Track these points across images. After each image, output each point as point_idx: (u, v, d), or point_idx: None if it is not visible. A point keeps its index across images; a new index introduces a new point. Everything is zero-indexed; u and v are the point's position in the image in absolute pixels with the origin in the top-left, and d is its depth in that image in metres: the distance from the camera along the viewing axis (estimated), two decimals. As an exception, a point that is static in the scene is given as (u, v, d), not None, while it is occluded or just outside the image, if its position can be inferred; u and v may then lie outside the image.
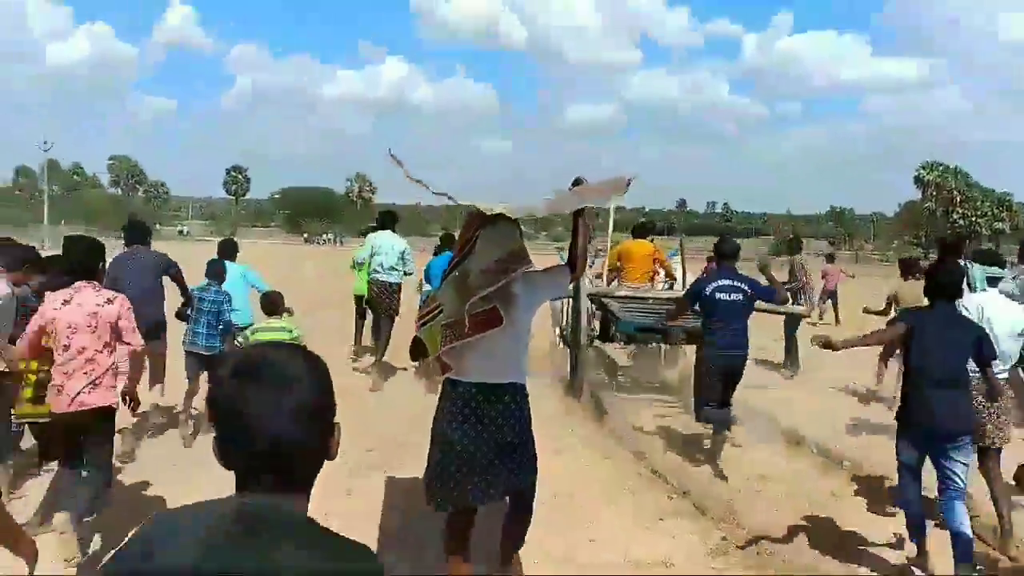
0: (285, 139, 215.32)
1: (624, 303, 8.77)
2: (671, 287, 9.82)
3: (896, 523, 4.99)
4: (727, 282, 6.36)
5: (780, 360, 10.91)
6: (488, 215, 3.43)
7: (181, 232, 78.99)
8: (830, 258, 19.52)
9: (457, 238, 3.92)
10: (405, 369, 9.65)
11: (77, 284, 4.34)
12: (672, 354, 9.74)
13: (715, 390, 6.37)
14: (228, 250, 8.08)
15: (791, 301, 9.97)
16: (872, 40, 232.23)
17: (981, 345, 4.33)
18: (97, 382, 4.26)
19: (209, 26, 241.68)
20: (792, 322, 10.47)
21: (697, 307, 6.60)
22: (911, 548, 4.61)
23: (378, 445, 6.43)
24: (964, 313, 4.67)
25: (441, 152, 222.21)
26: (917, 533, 4.51)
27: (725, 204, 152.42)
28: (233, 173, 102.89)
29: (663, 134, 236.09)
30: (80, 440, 4.35)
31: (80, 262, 4.43)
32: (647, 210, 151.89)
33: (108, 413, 4.39)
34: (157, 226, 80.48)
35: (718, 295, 6.32)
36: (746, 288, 6.39)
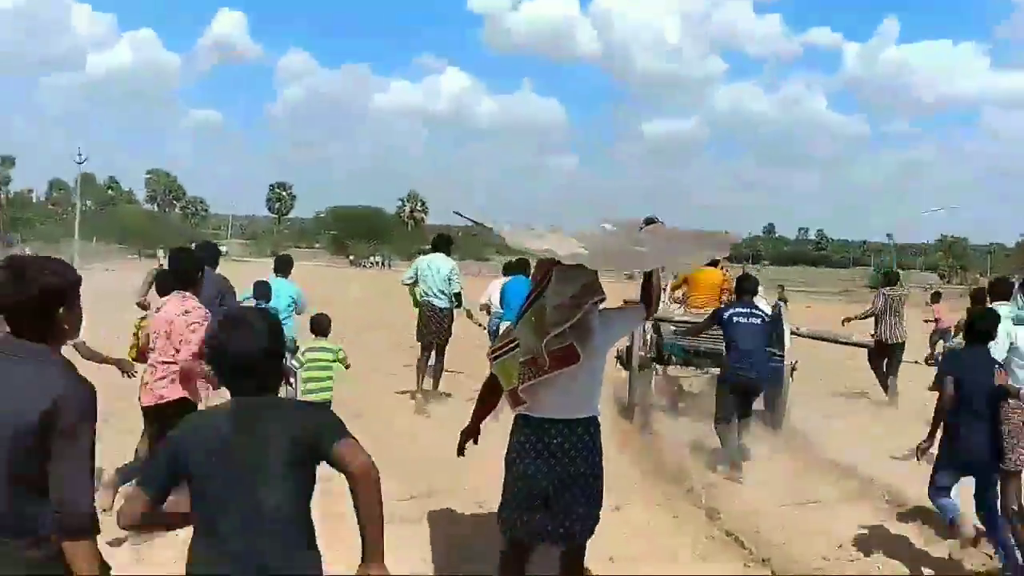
0: (334, 154, 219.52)
1: (677, 326, 9.56)
2: None
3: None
4: (744, 309, 7.88)
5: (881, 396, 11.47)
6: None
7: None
8: (935, 297, 19.07)
9: (533, 272, 4.38)
10: (449, 395, 9.85)
11: (172, 294, 5.37)
12: None
13: (728, 406, 7.64)
14: (282, 266, 9.09)
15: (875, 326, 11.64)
16: (992, 51, 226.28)
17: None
18: (173, 379, 5.23)
19: (259, 33, 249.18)
20: (877, 354, 11.54)
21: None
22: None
23: (418, 492, 6.36)
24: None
25: (504, 169, 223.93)
26: (955, 517, 5.32)
27: (819, 231, 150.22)
28: (277, 190, 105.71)
29: (751, 152, 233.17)
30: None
31: (177, 273, 5.49)
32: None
33: (186, 405, 5.15)
34: (192, 245, 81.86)
35: (736, 318, 7.75)
36: (762, 314, 7.99)
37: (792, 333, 9.20)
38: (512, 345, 4.04)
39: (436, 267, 9.64)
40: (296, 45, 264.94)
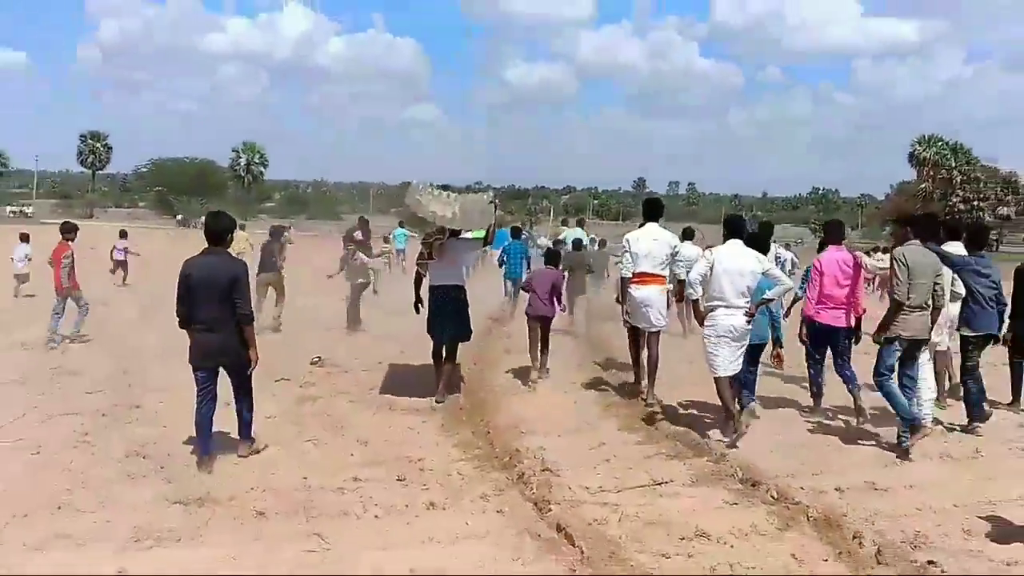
0: (158, 101, 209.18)
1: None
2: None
3: None
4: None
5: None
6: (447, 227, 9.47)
7: (22, 212, 75.24)
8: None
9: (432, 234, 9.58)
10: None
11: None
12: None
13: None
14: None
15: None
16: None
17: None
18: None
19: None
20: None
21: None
22: None
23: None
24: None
25: (354, 120, 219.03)
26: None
27: (690, 184, 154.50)
28: (90, 141, 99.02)
29: (621, 102, 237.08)
30: None
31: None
32: (600, 190, 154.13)
33: None
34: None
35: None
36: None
37: None
38: (427, 255, 9.51)
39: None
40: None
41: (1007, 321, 9.04)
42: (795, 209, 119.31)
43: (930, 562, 5.06)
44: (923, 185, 72.04)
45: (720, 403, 7.93)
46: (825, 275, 8.45)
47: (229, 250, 7.21)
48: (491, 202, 10.12)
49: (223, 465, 6.76)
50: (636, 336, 9.53)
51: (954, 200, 70.02)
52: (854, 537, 5.43)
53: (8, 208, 77.86)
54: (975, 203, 70.51)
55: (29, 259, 18.31)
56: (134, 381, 9.79)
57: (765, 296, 7.94)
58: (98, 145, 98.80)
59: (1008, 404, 9.43)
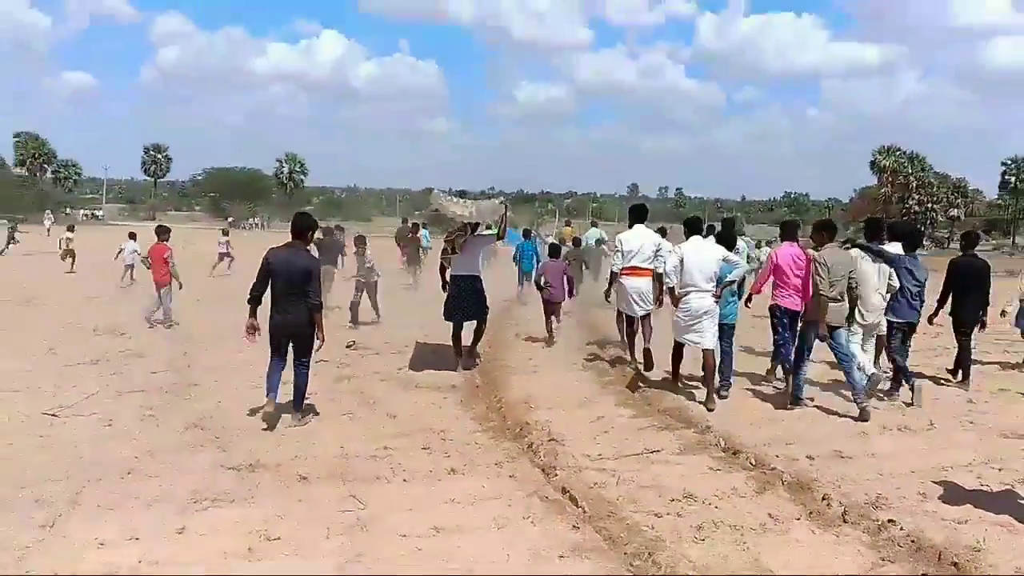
0: (211, 117, 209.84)
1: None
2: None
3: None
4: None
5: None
6: (470, 223, 9.83)
7: (93, 215, 75.74)
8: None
9: (458, 230, 9.89)
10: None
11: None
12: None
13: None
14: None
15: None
16: (829, 24, 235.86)
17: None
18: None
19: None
20: None
21: None
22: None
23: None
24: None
25: (383, 133, 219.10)
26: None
27: (678, 190, 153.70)
28: (152, 152, 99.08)
29: (617, 117, 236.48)
30: None
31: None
32: (599, 195, 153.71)
33: None
34: (68, 210, 77.08)
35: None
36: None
37: None
38: (451, 250, 9.83)
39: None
40: (171, 6, 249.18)
41: (924, 310, 8.97)
42: (770, 211, 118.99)
43: (890, 521, 5.05)
44: (883, 190, 71.43)
45: (701, 376, 8.65)
46: (780, 266, 8.59)
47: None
48: (501, 203, 10.58)
49: (271, 436, 6.79)
50: (628, 320, 10.07)
51: (910, 203, 69.62)
52: (823, 499, 5.44)
53: (81, 211, 78.40)
54: (928, 205, 70.10)
55: (138, 254, 18.36)
56: (193, 363, 9.83)
57: (728, 279, 8.54)
58: (159, 156, 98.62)
59: (959, 381, 9.41)
